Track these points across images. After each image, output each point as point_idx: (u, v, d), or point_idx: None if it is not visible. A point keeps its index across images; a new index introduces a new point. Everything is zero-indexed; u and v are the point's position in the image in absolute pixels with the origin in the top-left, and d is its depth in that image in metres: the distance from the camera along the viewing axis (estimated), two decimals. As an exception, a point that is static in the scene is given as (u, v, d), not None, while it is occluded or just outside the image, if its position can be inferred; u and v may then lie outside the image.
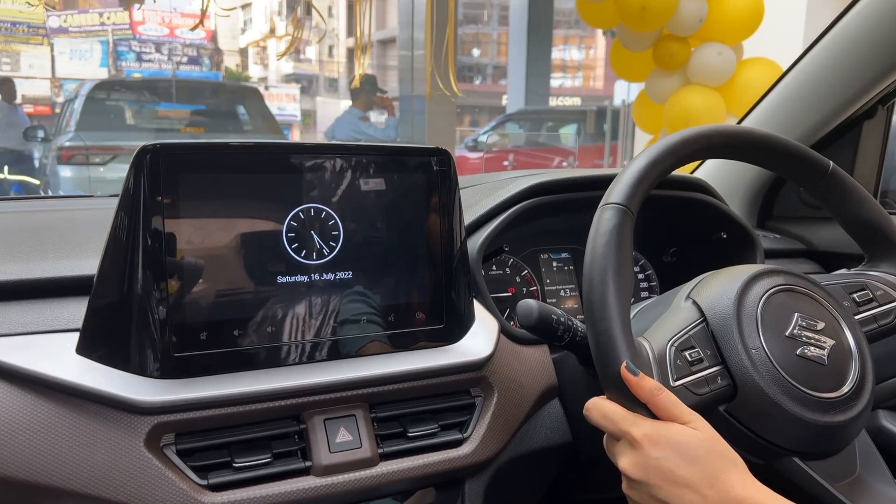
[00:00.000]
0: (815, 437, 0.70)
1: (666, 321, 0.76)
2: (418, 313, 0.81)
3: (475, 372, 0.84)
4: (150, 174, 0.67)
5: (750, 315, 0.73)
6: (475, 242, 0.93)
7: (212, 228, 0.71)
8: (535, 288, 1.13)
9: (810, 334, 0.73)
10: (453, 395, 0.84)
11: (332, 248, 0.76)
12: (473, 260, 0.92)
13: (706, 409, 0.70)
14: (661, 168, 0.76)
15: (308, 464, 0.73)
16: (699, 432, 0.62)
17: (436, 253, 0.81)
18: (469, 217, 0.97)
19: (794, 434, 0.70)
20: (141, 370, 0.68)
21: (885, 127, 1.23)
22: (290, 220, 0.74)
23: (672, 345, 0.71)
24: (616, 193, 0.72)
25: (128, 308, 0.67)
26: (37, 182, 6.34)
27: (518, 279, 1.12)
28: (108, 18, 14.88)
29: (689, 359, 0.71)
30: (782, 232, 1.32)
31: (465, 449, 0.81)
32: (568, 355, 0.93)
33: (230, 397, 0.71)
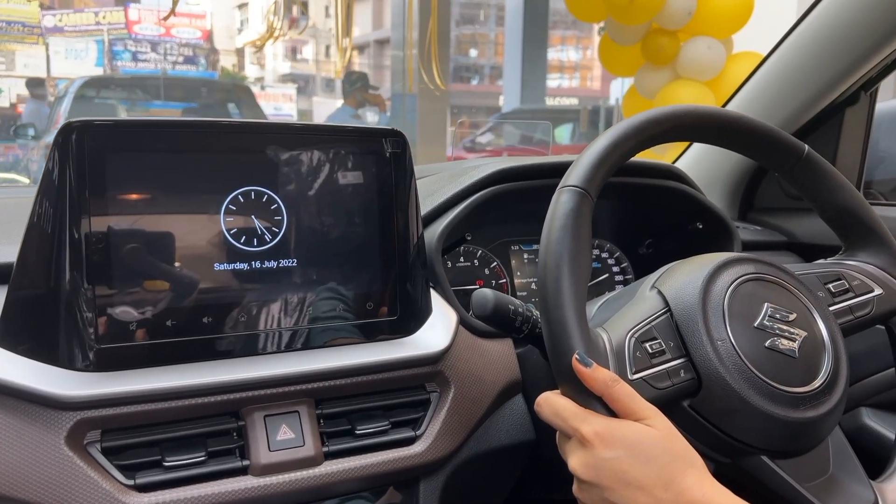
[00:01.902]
0: (784, 434, 0.66)
1: (627, 312, 0.72)
2: (369, 304, 0.77)
3: (430, 366, 0.79)
4: (76, 153, 0.63)
5: (716, 305, 0.69)
6: (434, 231, 0.89)
7: (143, 212, 0.67)
8: (504, 280, 1.09)
9: (781, 325, 0.69)
10: (407, 390, 0.79)
11: (274, 235, 0.72)
12: (432, 249, 0.87)
13: (668, 403, 0.66)
14: (623, 149, 0.71)
15: (246, 463, 0.69)
16: (654, 430, 0.58)
17: (389, 240, 0.77)
18: (429, 205, 0.93)
19: (762, 431, 0.66)
20: (63, 362, 0.64)
21: (868, 114, 1.19)
22: (229, 203, 0.70)
23: (632, 336, 0.67)
24: (574, 176, 0.68)
25: (49, 295, 0.63)
26: (26, 181, 6.29)
27: (486, 272, 1.08)
28: (104, 18, 14.83)
29: (650, 350, 0.67)
30: (764, 224, 1.28)
31: (416, 447, 0.76)
32: (533, 349, 0.89)
33: (162, 391, 0.66)
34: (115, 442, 0.66)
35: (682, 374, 0.67)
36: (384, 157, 0.77)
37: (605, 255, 1.16)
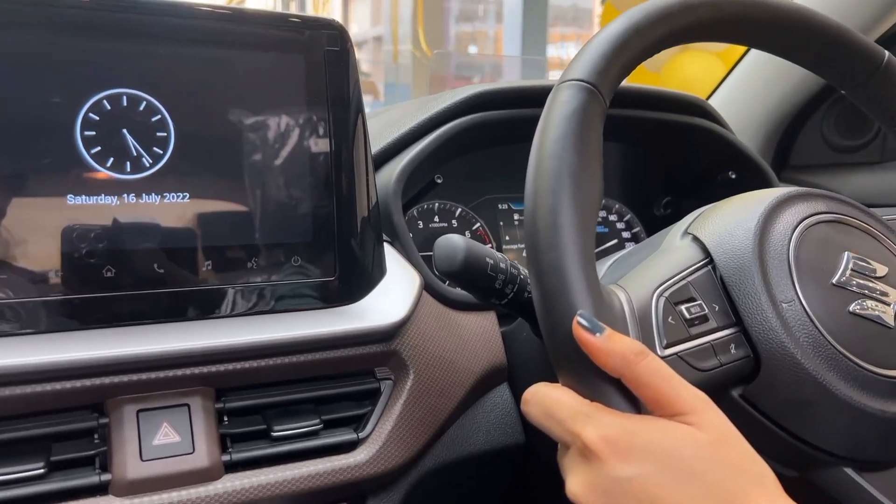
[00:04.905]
0: (878, 436, 0.48)
1: (652, 264, 0.52)
2: (295, 258, 0.56)
3: (382, 344, 0.59)
4: None
5: (779, 253, 0.50)
6: (393, 169, 0.68)
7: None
8: (490, 245, 0.88)
9: (868, 283, 0.50)
10: (348, 377, 0.58)
11: (157, 158, 0.51)
12: (389, 192, 0.67)
13: (712, 393, 0.46)
14: (647, 39, 0.50)
15: (106, 478, 0.48)
16: (700, 432, 0.37)
17: (323, 171, 0.56)
18: (387, 138, 0.72)
19: (848, 431, 0.47)
20: None
21: None
22: (89, 111, 0.50)
23: (661, 294, 0.47)
24: (579, 67, 0.47)
25: None
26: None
27: (468, 234, 0.87)
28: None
29: (687, 315, 0.47)
30: (802, 184, 1.08)
31: (359, 455, 0.55)
32: (523, 323, 0.68)
33: None
34: None
35: (732, 350, 0.47)
36: (318, 55, 0.56)
37: (613, 217, 0.96)
